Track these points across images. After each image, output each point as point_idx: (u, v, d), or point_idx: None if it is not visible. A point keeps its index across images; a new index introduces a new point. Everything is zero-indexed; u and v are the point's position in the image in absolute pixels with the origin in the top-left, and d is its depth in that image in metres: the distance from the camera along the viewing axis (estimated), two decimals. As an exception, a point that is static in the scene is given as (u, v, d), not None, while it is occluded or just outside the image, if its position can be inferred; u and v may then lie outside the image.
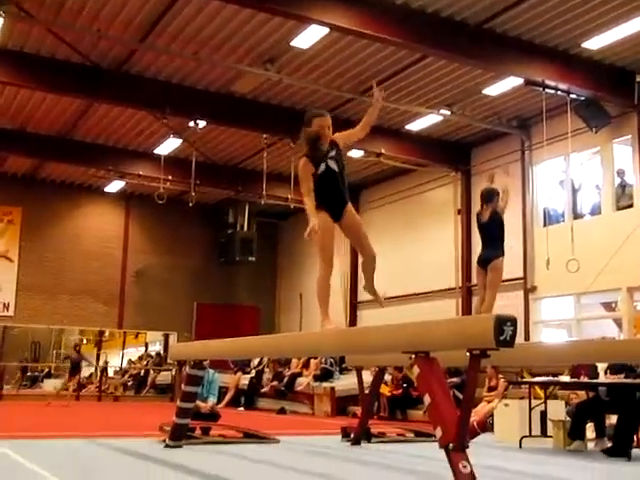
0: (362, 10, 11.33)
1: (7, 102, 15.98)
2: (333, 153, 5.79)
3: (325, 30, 11.95)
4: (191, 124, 15.76)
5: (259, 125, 16.11)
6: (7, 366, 21.65)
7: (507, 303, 13.72)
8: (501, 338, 4.00)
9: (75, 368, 20.46)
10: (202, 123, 15.75)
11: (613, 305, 15.14)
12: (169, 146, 17.97)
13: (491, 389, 11.39)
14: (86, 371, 23.59)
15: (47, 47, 13.53)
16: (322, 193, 5.75)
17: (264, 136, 16.40)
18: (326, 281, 5.70)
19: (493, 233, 8.16)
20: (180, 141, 17.51)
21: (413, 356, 4.57)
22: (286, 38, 12.71)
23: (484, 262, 8.19)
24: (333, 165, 5.79)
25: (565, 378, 9.96)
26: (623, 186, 14.49)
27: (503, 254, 8.07)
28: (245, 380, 18.00)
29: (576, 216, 15.02)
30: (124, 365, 24.04)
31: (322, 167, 5.77)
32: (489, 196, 8.34)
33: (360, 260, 6.18)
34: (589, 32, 12.09)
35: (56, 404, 16.60)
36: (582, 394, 9.43)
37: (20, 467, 5.88)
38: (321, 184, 5.77)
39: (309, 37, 12.46)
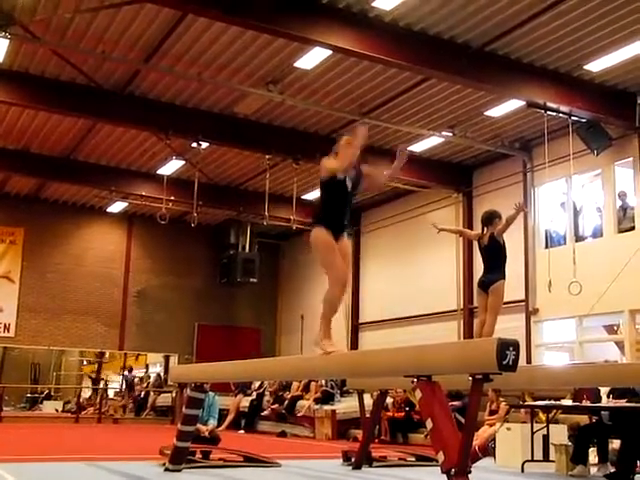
0: (365, 32, 11.38)
1: (11, 122, 16.04)
2: (352, 175, 5.87)
3: (328, 52, 12.01)
4: (194, 145, 15.79)
5: (262, 146, 16.15)
6: (7, 387, 21.57)
7: (509, 326, 13.67)
8: (504, 362, 3.99)
9: (131, 387, 20.74)
10: (205, 144, 15.81)
11: (615, 328, 15.07)
12: (172, 167, 18.02)
13: (492, 412, 11.31)
14: (86, 392, 23.57)
15: (52, 68, 13.60)
16: (329, 206, 5.77)
17: (266, 157, 16.42)
18: (337, 301, 5.67)
19: (493, 256, 8.15)
20: (183, 162, 17.56)
21: (415, 380, 4.54)
22: (289, 60, 12.77)
23: (485, 285, 8.17)
24: (348, 182, 5.84)
25: (567, 402, 9.89)
26: (625, 209, 14.49)
27: (504, 277, 8.05)
28: (246, 403, 17.89)
29: (578, 238, 15.00)
30: (124, 387, 23.92)
31: (341, 176, 5.79)
32: (488, 219, 8.34)
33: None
34: (590, 54, 12.15)
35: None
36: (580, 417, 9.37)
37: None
38: (330, 194, 5.81)
39: (312, 59, 12.52)
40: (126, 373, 22.94)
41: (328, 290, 5.64)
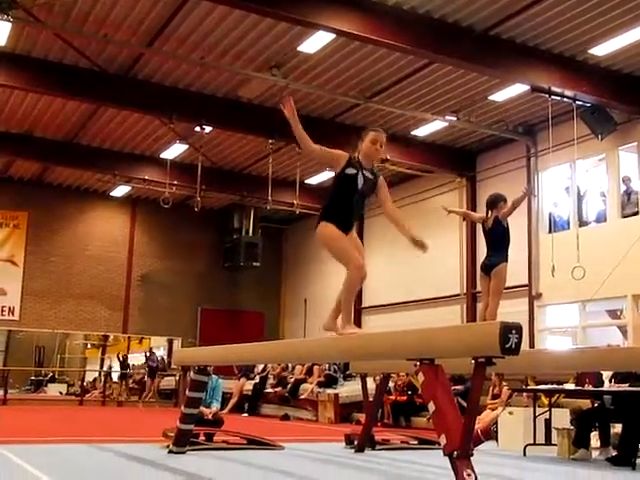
0: (368, 16, 11.34)
1: (14, 106, 16.03)
2: (368, 174, 5.51)
3: (331, 36, 11.97)
4: (197, 129, 15.80)
5: (265, 130, 16.12)
6: (12, 370, 21.68)
7: (512, 310, 13.68)
8: (506, 346, 3.99)
9: (153, 372, 20.76)
10: (208, 128, 15.80)
11: (618, 312, 15.09)
12: (175, 151, 18.02)
13: (495, 396, 11.34)
14: (89, 376, 23.65)
15: (55, 52, 13.58)
16: (336, 203, 5.53)
17: (270, 141, 16.41)
18: (355, 286, 5.56)
19: (496, 240, 8.14)
20: (186, 146, 17.55)
21: (418, 363, 4.55)
22: (293, 44, 12.73)
23: (487, 268, 8.17)
24: (360, 180, 5.48)
25: (570, 386, 9.91)
26: (629, 193, 14.46)
27: (506, 260, 8.04)
28: (249, 386, 17.97)
29: (581, 223, 14.98)
30: (129, 370, 23.96)
31: (351, 170, 5.47)
32: (493, 203, 8.33)
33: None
34: (596, 39, 12.09)
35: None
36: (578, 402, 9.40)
37: (22, 472, 5.87)
38: (338, 190, 5.54)
39: (315, 43, 12.49)
40: (148, 355, 22.87)
41: (347, 276, 5.48)
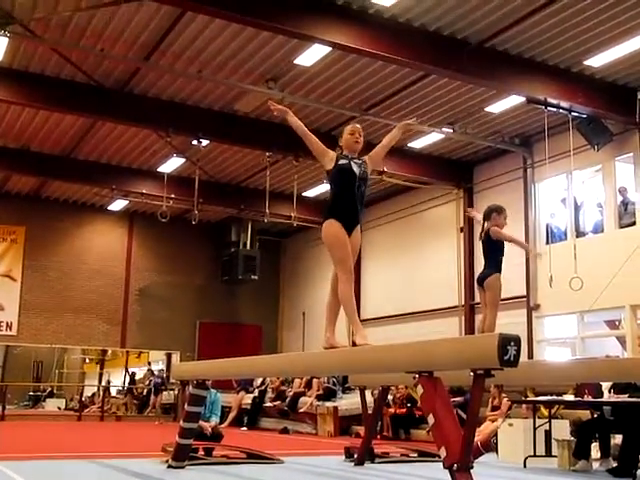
0: (364, 28, 11.37)
1: (11, 121, 16.04)
2: (357, 160, 5.78)
3: (328, 49, 12.01)
4: (194, 143, 15.81)
5: (262, 143, 16.17)
6: (9, 386, 21.60)
7: (510, 321, 13.69)
8: (505, 358, 4.00)
9: (157, 390, 20.69)
10: (205, 142, 15.81)
11: (617, 323, 15.08)
12: (172, 165, 18.04)
13: (494, 408, 11.33)
14: (88, 390, 23.56)
15: (52, 67, 13.61)
16: (339, 196, 5.68)
17: (267, 154, 16.43)
18: (352, 291, 5.59)
19: (487, 251, 8.15)
20: (183, 160, 17.57)
21: (417, 376, 4.55)
22: (289, 57, 12.77)
23: (480, 280, 8.18)
24: (355, 166, 5.71)
25: (569, 397, 9.90)
26: (625, 204, 14.49)
27: (498, 271, 8.00)
28: (248, 400, 17.92)
29: (579, 234, 15.00)
30: (127, 385, 23.91)
31: (343, 161, 5.71)
32: (487, 214, 8.36)
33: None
34: (591, 50, 12.14)
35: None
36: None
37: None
38: (338, 183, 5.71)
39: (312, 55, 12.53)
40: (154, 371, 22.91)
41: (342, 288, 5.53)
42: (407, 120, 6.41)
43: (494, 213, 8.18)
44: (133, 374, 24.00)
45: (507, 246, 8.12)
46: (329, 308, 5.85)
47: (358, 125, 6.00)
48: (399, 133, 6.15)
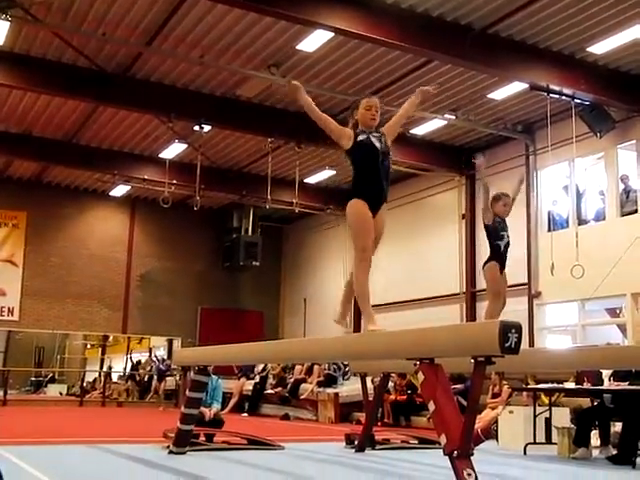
0: (367, 14, 11.32)
1: (13, 106, 16.01)
2: (377, 134, 5.46)
3: (330, 34, 11.96)
4: (196, 128, 15.78)
5: (264, 129, 16.13)
6: (11, 371, 21.68)
7: (511, 309, 13.63)
8: (506, 345, 3.99)
9: (160, 376, 20.70)
10: (207, 127, 15.78)
11: (617, 311, 15.09)
12: (174, 150, 18.01)
13: (495, 396, 11.34)
14: (89, 376, 23.63)
15: (53, 51, 13.56)
16: (361, 175, 5.37)
17: (269, 140, 16.40)
18: (366, 279, 5.37)
19: (487, 238, 8.14)
20: (185, 145, 17.54)
21: (418, 362, 4.55)
22: (291, 42, 12.72)
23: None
24: (375, 140, 5.40)
25: (570, 385, 9.91)
26: (627, 192, 14.46)
27: (491, 259, 7.98)
28: (249, 386, 17.96)
29: (580, 222, 14.98)
30: (128, 371, 23.98)
31: (362, 136, 5.40)
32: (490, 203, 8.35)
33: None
34: (594, 36, 12.08)
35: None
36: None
37: (23, 473, 5.86)
38: (359, 160, 5.39)
39: (314, 41, 12.47)
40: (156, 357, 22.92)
41: (356, 274, 5.35)
42: (426, 87, 5.98)
43: (492, 201, 8.18)
44: (138, 362, 24.02)
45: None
46: (347, 285, 5.67)
47: (375, 98, 5.68)
48: (417, 100, 5.83)
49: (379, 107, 5.56)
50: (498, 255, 7.86)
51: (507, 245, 7.91)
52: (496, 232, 7.95)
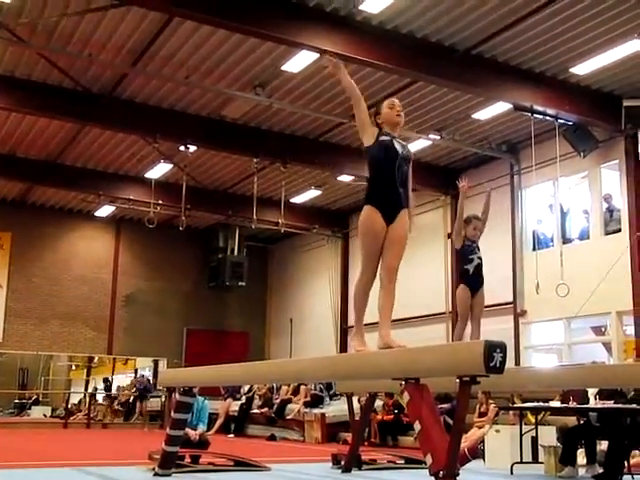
0: (351, 35, 11.40)
1: (-3, 127, 15.97)
2: (400, 141, 5.33)
3: (315, 55, 12.00)
4: (182, 149, 15.79)
5: (249, 150, 16.15)
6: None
7: (497, 328, 13.70)
8: (491, 364, 3.99)
9: (143, 396, 20.52)
10: (193, 148, 15.78)
11: (603, 329, 15.14)
12: (159, 170, 17.99)
13: (482, 415, 11.34)
14: (74, 398, 23.42)
15: (38, 72, 13.55)
16: (375, 180, 5.21)
17: (254, 160, 16.41)
18: (366, 290, 5.23)
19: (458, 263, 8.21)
20: (171, 166, 17.53)
21: (403, 382, 4.54)
22: (276, 63, 12.77)
23: None
24: (398, 146, 5.25)
25: (556, 403, 9.92)
26: (611, 211, 14.57)
27: (460, 282, 8.05)
28: (235, 407, 17.86)
29: (565, 240, 15.06)
30: (113, 391, 23.80)
31: (385, 137, 5.25)
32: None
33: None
34: (577, 57, 12.21)
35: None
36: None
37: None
38: (377, 161, 5.21)
39: (299, 62, 12.52)
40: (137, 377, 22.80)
41: (356, 285, 5.25)
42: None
43: (464, 224, 8.28)
44: (106, 380, 23.80)
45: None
46: (378, 306, 5.38)
47: (396, 99, 5.60)
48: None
49: (401, 107, 5.49)
50: (467, 278, 7.92)
51: (478, 266, 7.98)
52: (464, 257, 8.04)
